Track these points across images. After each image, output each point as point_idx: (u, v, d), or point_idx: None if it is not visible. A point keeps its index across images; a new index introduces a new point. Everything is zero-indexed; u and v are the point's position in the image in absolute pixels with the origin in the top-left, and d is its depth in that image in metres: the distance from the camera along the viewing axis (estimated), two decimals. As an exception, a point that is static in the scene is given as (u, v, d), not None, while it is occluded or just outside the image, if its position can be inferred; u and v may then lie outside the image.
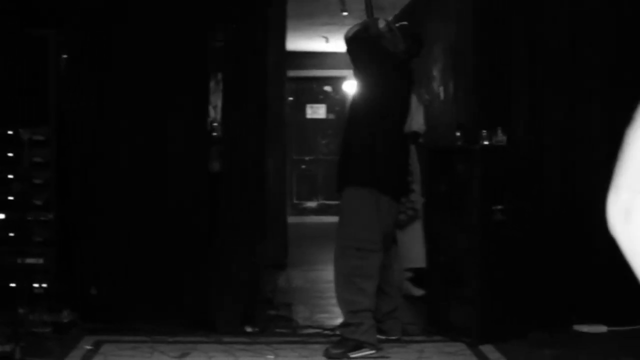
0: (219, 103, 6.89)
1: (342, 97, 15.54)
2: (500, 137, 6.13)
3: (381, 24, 5.95)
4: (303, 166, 15.99)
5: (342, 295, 5.78)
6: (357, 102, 6.02)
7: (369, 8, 6.08)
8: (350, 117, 6.03)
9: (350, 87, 13.83)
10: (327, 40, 13.81)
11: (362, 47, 5.86)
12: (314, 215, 15.54)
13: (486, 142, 6.10)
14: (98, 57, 6.37)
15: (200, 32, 6.55)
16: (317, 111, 16.19)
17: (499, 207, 5.92)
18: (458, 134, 6.45)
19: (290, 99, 15.19)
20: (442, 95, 8.35)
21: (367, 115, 5.80)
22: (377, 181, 5.74)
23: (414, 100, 6.61)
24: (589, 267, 6.45)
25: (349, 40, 5.92)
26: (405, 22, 6.13)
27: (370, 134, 5.77)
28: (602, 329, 6.33)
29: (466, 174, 5.99)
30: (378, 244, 5.75)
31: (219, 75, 6.89)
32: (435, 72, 8.71)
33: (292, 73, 13.69)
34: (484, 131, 6.13)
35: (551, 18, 6.59)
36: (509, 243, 5.97)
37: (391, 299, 6.06)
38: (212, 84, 6.95)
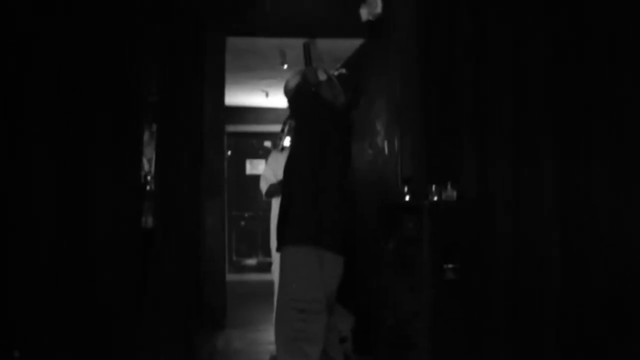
0: (154, 156, 6.61)
1: (282, 153, 15.42)
2: (450, 192, 5.89)
3: (320, 74, 5.67)
4: (242, 222, 15.85)
5: (285, 360, 5.40)
6: (294, 156, 5.67)
7: (307, 56, 5.76)
8: (287, 172, 5.68)
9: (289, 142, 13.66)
10: (267, 94, 13.60)
11: (303, 100, 5.57)
12: (254, 273, 15.34)
13: (435, 198, 5.86)
14: (16, 99, 6.00)
15: (134, 81, 6.24)
16: (256, 167, 16.05)
17: (450, 265, 5.66)
18: (405, 188, 6.22)
19: (230, 154, 15.07)
20: (386, 150, 8.12)
21: (305, 169, 5.47)
22: (319, 237, 5.40)
23: None
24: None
25: (290, 93, 5.62)
26: (343, 70, 5.81)
27: (309, 189, 5.44)
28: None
29: (415, 230, 5.74)
30: (322, 304, 5.40)
31: (154, 127, 6.62)
32: (379, 126, 8.49)
33: (231, 128, 13.58)
34: (434, 186, 5.89)
35: (497, 74, 6.43)
36: (460, 303, 5.71)
37: (336, 363, 5.71)
38: (146, 137, 6.66)
